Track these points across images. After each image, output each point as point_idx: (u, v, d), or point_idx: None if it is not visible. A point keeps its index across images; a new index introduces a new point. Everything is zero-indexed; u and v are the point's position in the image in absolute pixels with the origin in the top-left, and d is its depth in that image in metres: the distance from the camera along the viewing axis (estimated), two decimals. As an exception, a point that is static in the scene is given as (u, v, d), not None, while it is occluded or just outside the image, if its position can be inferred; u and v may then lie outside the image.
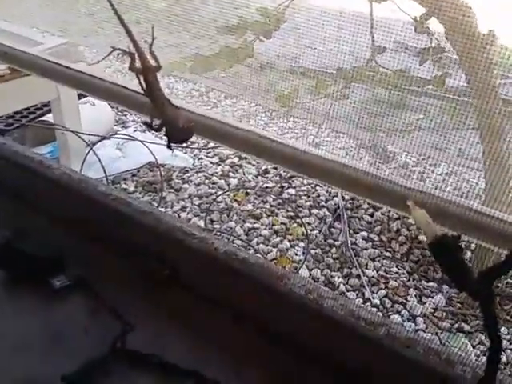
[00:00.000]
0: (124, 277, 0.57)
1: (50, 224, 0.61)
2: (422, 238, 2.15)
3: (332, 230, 2.16)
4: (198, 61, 1.78)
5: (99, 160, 2.00)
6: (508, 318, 1.83)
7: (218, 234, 2.08)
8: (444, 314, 1.86)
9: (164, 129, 0.67)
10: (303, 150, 0.99)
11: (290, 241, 2.08)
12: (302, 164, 0.97)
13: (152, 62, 0.72)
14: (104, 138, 2.29)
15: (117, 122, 2.67)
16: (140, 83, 0.71)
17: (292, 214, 2.21)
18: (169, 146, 0.71)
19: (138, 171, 2.36)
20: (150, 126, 0.72)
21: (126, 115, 2.72)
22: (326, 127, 2.89)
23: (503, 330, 1.78)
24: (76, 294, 0.53)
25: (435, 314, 1.86)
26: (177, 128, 0.66)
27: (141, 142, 2.14)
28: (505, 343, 1.73)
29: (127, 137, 2.27)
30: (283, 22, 1.63)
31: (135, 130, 2.61)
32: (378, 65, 1.78)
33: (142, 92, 0.70)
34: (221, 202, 2.24)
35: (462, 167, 2.70)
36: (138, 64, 0.71)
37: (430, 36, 1.57)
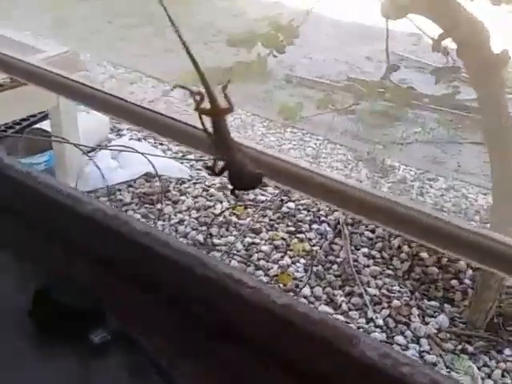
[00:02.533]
0: (168, 327, 0.52)
1: (83, 266, 0.56)
2: (423, 255, 2.12)
3: (333, 245, 2.12)
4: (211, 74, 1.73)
5: (100, 171, 1.93)
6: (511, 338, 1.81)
7: (218, 249, 2.03)
8: (448, 334, 1.83)
9: (228, 174, 0.63)
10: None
11: (290, 257, 2.04)
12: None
13: (223, 104, 0.67)
14: (102, 147, 2.22)
15: (111, 129, 2.60)
16: (202, 123, 0.66)
17: (292, 228, 2.17)
18: (233, 193, 0.67)
19: (135, 182, 2.30)
20: (211, 170, 0.67)
21: (120, 123, 2.65)
22: (323, 138, 2.86)
23: (506, 351, 1.76)
24: (116, 349, 0.48)
25: (439, 335, 1.83)
26: (244, 175, 0.62)
27: (142, 154, 2.08)
28: (510, 366, 1.71)
29: (125, 147, 2.20)
30: (296, 38, 1.60)
31: (130, 139, 2.55)
32: (392, 81, 1.75)
33: (204, 132, 0.65)
34: (219, 215, 2.19)
35: (460, 182, 2.69)
36: (205, 104, 0.65)
37: (447, 55, 1.54)
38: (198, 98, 0.67)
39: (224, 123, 0.66)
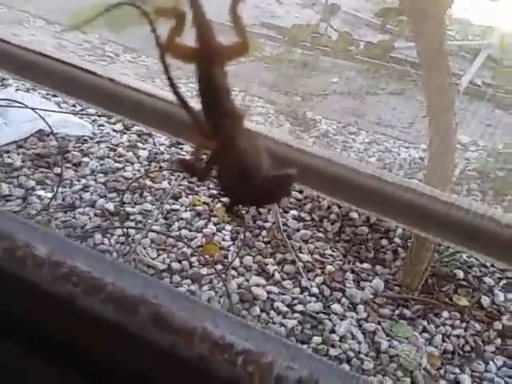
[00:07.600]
0: None
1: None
2: (353, 214, 2.01)
3: (260, 209, 1.94)
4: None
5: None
6: (447, 300, 1.76)
7: (132, 218, 1.77)
8: (384, 299, 1.74)
9: (218, 175, 0.35)
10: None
11: (215, 224, 1.84)
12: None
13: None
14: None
15: (-7, 78, 2.19)
16: (167, 71, 0.39)
17: (214, 191, 1.95)
18: (230, 211, 0.39)
19: (25, 141, 1.95)
20: (188, 168, 0.39)
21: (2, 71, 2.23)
22: (239, 89, 2.63)
23: (444, 314, 1.70)
24: None
25: (375, 301, 1.74)
26: (251, 178, 0.34)
27: (32, 109, 1.73)
28: (448, 329, 1.66)
29: (11, 101, 1.83)
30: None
31: (17, 89, 2.15)
32: (331, 26, 1.55)
33: (172, 93, 0.39)
34: (130, 178, 1.92)
35: (381, 135, 2.60)
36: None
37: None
38: (167, 21, 0.39)
39: (221, 77, 0.39)
